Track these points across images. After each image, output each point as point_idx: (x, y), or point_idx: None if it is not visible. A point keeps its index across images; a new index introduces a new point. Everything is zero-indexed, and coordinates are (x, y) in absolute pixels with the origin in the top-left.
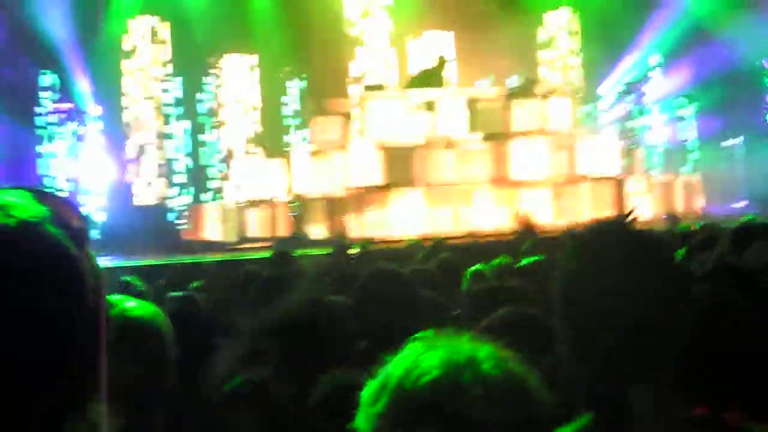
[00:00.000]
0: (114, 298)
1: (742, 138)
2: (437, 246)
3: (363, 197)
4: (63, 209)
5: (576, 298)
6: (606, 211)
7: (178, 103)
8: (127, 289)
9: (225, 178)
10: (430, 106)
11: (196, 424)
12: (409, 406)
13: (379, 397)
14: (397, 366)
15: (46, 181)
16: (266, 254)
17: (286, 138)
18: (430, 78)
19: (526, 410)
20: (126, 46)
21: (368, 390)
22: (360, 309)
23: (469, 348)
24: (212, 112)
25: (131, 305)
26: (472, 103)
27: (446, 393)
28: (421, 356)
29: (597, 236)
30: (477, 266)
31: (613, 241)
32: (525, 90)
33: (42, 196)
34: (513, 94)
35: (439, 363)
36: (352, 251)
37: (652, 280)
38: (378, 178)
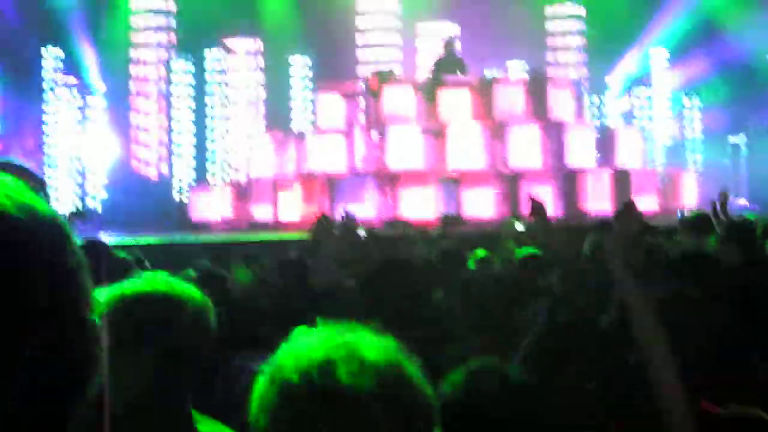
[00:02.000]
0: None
1: (745, 135)
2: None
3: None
4: (25, 178)
5: None
6: (607, 203)
7: (183, 82)
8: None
9: (229, 157)
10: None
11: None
12: (290, 393)
13: (268, 386)
14: (282, 355)
15: (49, 156)
16: (271, 236)
17: (292, 117)
18: (446, 66)
19: (405, 397)
20: (132, 23)
21: (259, 383)
22: (368, 296)
23: (352, 336)
24: (218, 92)
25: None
26: (482, 90)
27: (323, 375)
28: (306, 347)
29: None
30: (482, 252)
31: None
32: (535, 80)
33: (3, 166)
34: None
35: (320, 348)
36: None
37: None
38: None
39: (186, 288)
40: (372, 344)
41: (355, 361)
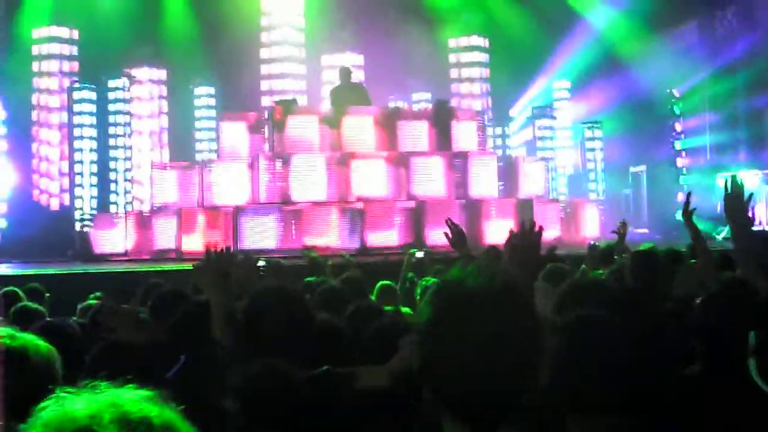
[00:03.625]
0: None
1: (644, 166)
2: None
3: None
4: None
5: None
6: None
7: (86, 111)
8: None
9: (132, 188)
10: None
11: None
12: None
13: None
14: (44, 415)
15: None
16: (173, 267)
17: (196, 147)
18: (343, 94)
19: None
20: (34, 51)
21: None
22: (249, 327)
23: (115, 394)
24: (122, 122)
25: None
26: (386, 120)
27: None
28: (67, 407)
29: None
30: (386, 282)
31: (475, 292)
32: (439, 112)
33: None
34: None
35: (86, 410)
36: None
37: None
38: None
39: (30, 339)
40: (135, 398)
41: (122, 417)
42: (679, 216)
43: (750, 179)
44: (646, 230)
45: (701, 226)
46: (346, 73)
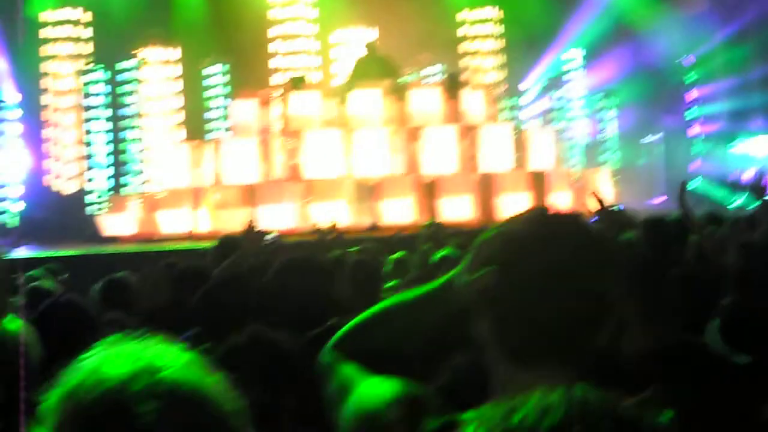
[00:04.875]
0: None
1: (661, 135)
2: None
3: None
4: None
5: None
6: (526, 205)
7: (98, 92)
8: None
9: (145, 168)
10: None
11: None
12: (86, 416)
13: (59, 408)
14: (76, 374)
15: None
16: (186, 245)
17: (208, 126)
18: (367, 67)
19: (205, 416)
20: (46, 34)
21: (49, 401)
22: (272, 299)
23: (152, 354)
24: (134, 103)
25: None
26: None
27: (121, 400)
28: (102, 363)
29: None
30: (400, 253)
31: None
32: (451, 84)
33: None
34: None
35: (118, 370)
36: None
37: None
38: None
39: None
40: (172, 360)
41: (152, 379)
42: (693, 184)
43: (763, 146)
44: (665, 198)
45: (717, 192)
46: (371, 46)
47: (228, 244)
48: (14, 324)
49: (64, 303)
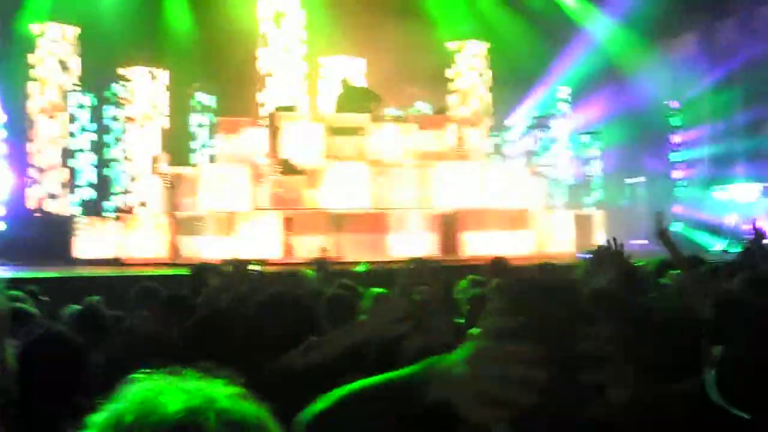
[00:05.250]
0: None
1: (643, 177)
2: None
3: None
4: None
5: None
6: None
7: (84, 112)
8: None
9: (129, 190)
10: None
11: None
12: None
13: None
14: (131, 405)
15: None
16: (167, 271)
17: (193, 154)
18: (356, 101)
19: None
20: (33, 52)
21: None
22: (257, 329)
23: (206, 386)
24: (120, 124)
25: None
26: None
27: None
28: (159, 395)
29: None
30: (379, 290)
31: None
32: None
33: None
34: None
35: (181, 403)
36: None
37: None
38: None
39: None
40: (225, 391)
41: (219, 411)
42: (674, 228)
43: (748, 192)
44: (645, 242)
45: (697, 237)
46: (344, 82)
47: (202, 272)
48: None
49: (53, 336)
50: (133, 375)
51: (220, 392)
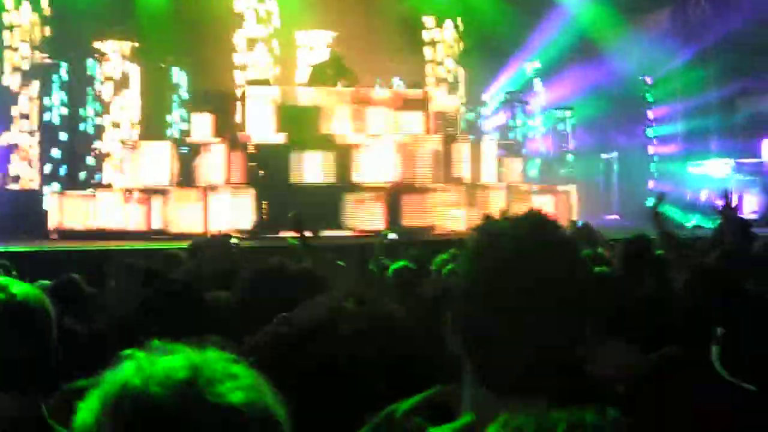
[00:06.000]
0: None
1: (616, 153)
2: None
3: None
4: None
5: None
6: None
7: (56, 87)
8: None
9: (101, 163)
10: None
11: None
12: (153, 415)
13: (111, 409)
14: (134, 370)
15: None
16: (142, 245)
17: (168, 129)
18: (326, 73)
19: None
20: (4, 25)
21: (90, 405)
22: (244, 306)
23: (201, 351)
24: (93, 98)
25: (18, 288)
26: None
27: (200, 398)
28: (159, 361)
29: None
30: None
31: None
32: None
33: None
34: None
35: (185, 360)
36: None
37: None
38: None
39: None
40: (227, 359)
41: (231, 376)
42: (649, 203)
43: (721, 168)
44: (617, 216)
45: (672, 214)
46: (333, 50)
47: (200, 247)
48: (20, 288)
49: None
50: (122, 352)
51: (216, 355)
